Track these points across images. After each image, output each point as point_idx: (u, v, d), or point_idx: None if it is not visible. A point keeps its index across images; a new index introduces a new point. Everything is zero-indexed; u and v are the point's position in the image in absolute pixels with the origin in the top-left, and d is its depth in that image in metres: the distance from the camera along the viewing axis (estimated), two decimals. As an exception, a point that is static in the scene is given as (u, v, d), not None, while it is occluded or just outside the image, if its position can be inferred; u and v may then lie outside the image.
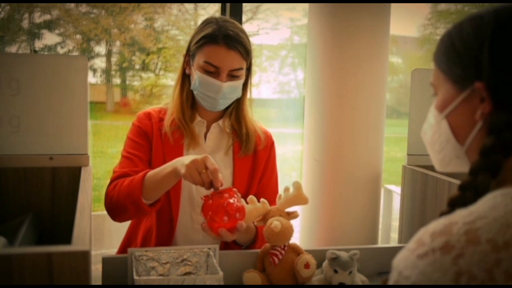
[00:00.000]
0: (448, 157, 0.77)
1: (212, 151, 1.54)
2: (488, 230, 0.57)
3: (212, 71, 1.43)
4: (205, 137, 1.55)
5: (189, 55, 1.50)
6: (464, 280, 0.55)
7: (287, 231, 1.31)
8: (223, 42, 1.41)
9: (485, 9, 0.72)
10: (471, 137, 0.72)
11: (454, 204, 0.69)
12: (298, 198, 1.35)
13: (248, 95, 1.56)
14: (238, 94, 1.50)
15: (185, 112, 1.51)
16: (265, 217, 1.34)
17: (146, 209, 1.38)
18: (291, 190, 1.36)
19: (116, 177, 1.45)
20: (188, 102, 1.52)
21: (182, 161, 1.31)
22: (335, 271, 1.31)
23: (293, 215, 1.36)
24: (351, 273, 1.32)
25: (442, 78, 0.76)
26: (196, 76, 1.45)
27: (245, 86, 1.53)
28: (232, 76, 1.45)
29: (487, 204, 0.62)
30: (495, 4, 0.72)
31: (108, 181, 1.50)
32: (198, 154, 1.50)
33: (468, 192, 0.68)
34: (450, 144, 0.76)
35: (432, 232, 0.60)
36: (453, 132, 0.75)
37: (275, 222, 1.29)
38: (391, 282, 0.61)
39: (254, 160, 1.57)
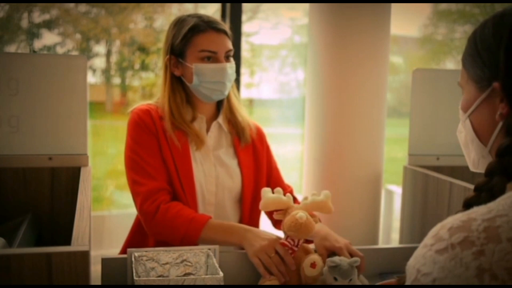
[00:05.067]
0: (476, 157, 0.77)
1: (215, 148, 1.57)
2: (509, 228, 0.56)
3: (210, 57, 1.47)
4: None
5: (175, 57, 1.50)
6: (487, 277, 0.53)
7: (311, 225, 1.26)
8: (210, 28, 1.47)
9: (510, 6, 0.70)
10: (493, 137, 0.71)
11: (469, 204, 0.68)
12: (325, 205, 1.32)
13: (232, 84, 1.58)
14: (235, 76, 1.54)
15: (183, 115, 1.51)
16: (286, 212, 1.31)
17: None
18: (321, 196, 1.33)
19: (147, 196, 1.42)
20: (183, 103, 1.52)
21: (250, 241, 1.33)
22: (335, 279, 1.28)
23: (315, 218, 1.33)
24: (351, 281, 1.29)
25: (466, 78, 0.75)
26: (195, 69, 1.46)
27: None
28: (227, 58, 1.50)
29: (507, 201, 0.60)
30: None
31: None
32: (203, 153, 1.52)
33: (483, 193, 0.67)
34: (475, 144, 0.75)
35: (449, 228, 0.58)
36: (475, 132, 0.74)
37: (300, 213, 1.26)
38: (408, 282, 0.59)
39: (254, 151, 1.61)
